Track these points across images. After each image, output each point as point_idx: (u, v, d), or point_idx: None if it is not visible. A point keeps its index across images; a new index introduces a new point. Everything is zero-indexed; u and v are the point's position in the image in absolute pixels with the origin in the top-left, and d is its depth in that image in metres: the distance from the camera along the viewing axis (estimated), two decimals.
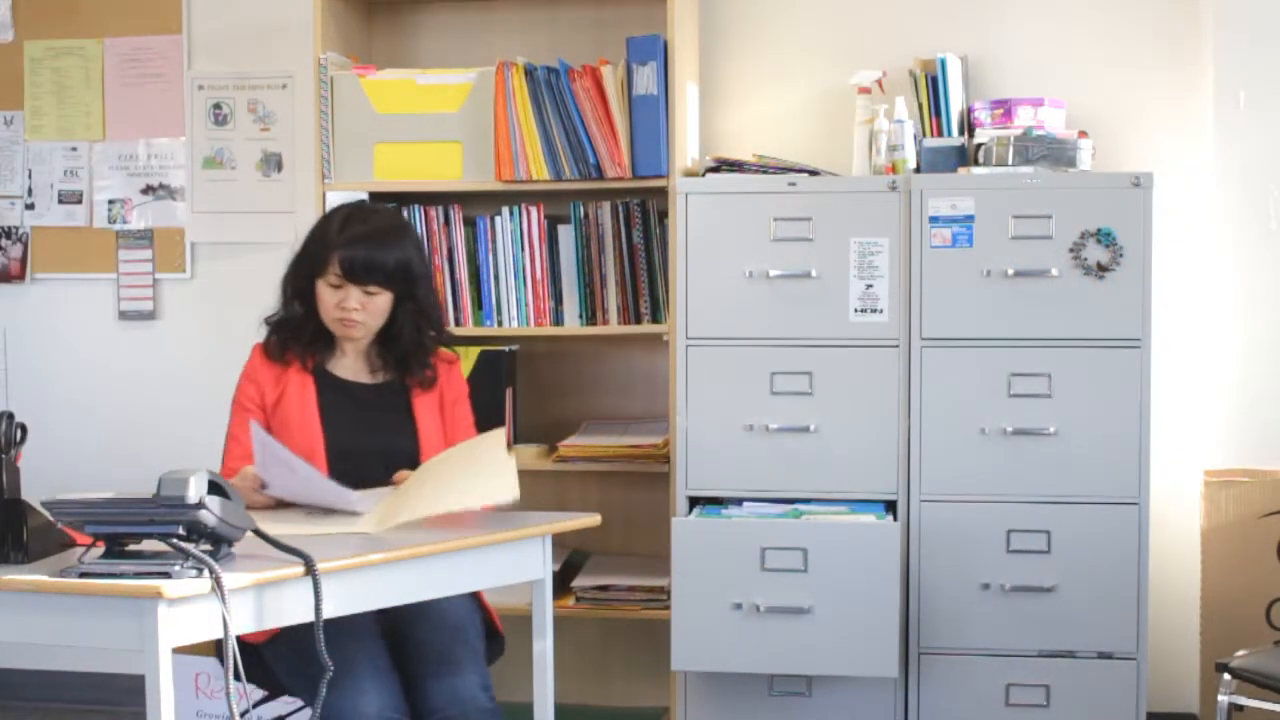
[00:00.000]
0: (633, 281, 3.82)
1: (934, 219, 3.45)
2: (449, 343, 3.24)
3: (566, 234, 3.85)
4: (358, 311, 3.02)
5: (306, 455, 2.90)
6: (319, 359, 3.10)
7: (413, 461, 2.98)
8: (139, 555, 2.19)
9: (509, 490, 2.76)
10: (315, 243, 3.09)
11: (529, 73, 3.76)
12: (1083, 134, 3.66)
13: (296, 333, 3.09)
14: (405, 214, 3.85)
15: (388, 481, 2.94)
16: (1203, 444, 3.83)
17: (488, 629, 3.01)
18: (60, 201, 4.43)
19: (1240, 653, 3.17)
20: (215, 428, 3.14)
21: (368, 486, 2.88)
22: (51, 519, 2.28)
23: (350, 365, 3.13)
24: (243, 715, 2.19)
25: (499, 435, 2.86)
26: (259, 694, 3.02)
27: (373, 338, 3.11)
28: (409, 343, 3.10)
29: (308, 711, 2.72)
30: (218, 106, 4.32)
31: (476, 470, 2.81)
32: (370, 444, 3.03)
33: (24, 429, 2.37)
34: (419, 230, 3.87)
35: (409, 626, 2.86)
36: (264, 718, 3.17)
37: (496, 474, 2.78)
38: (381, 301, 3.05)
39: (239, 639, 2.22)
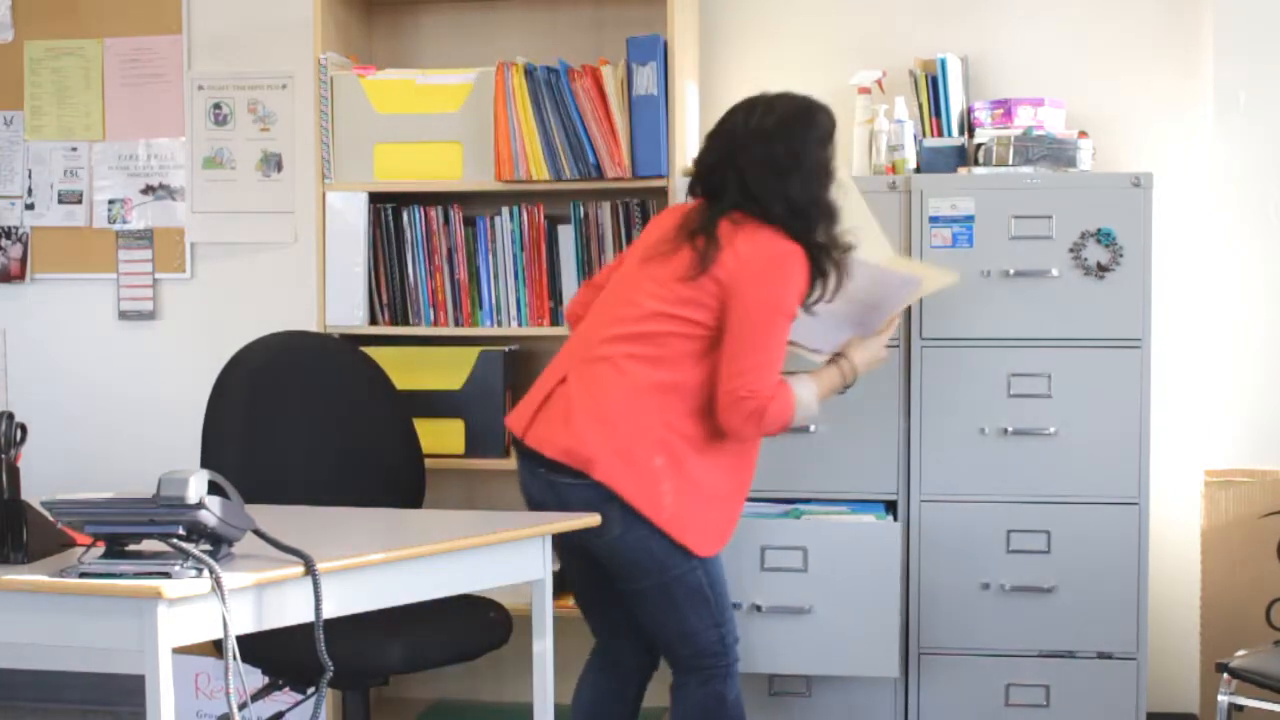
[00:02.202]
0: None
1: (934, 219, 3.45)
2: None
3: (566, 234, 3.85)
4: None
5: None
6: None
7: None
8: (139, 555, 2.19)
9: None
10: (829, 136, 3.01)
11: (529, 73, 3.76)
12: (1083, 134, 3.66)
13: (829, 267, 2.96)
14: (405, 215, 3.88)
15: None
16: (1203, 444, 3.83)
17: None
18: (60, 201, 4.43)
19: (1240, 653, 3.18)
20: None
21: None
22: (51, 519, 2.28)
23: None
24: (241, 711, 2.19)
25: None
26: (256, 689, 3.03)
27: None
28: None
29: (304, 708, 2.73)
30: (218, 106, 4.32)
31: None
32: None
33: (24, 429, 2.36)
34: (418, 231, 3.87)
35: None
36: (262, 715, 3.18)
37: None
38: None
39: None
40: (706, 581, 2.95)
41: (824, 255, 2.92)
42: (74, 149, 4.42)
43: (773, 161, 2.92)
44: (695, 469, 2.91)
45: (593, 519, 2.96)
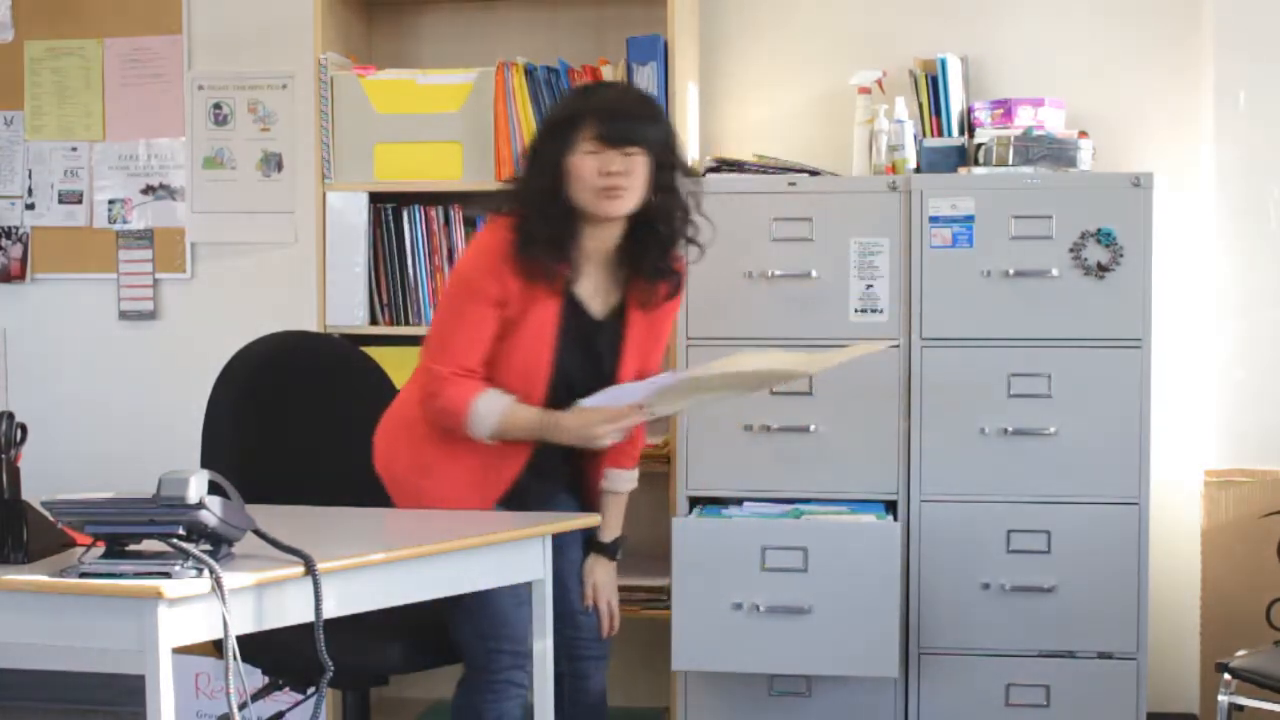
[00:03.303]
0: None
1: (934, 219, 3.45)
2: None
3: None
4: (622, 176, 2.81)
5: (526, 380, 2.89)
6: (568, 278, 2.89)
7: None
8: (139, 555, 2.19)
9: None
10: (561, 118, 2.89)
11: (529, 73, 3.76)
12: (1083, 134, 3.66)
13: (550, 240, 2.84)
14: (405, 215, 3.88)
15: None
16: (1203, 444, 3.83)
17: None
18: (60, 201, 4.43)
19: (1240, 653, 3.17)
20: None
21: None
22: (51, 519, 2.28)
23: (591, 284, 2.94)
24: (241, 710, 2.19)
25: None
26: (256, 689, 3.03)
27: (618, 232, 2.90)
28: (667, 236, 2.91)
29: (304, 708, 2.73)
30: (218, 106, 4.32)
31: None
32: (584, 380, 2.93)
33: (24, 429, 2.36)
34: (419, 231, 3.87)
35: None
36: (262, 715, 3.17)
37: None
38: (641, 168, 2.83)
39: None
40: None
41: (532, 219, 2.85)
42: (74, 149, 4.42)
43: None
44: (427, 456, 2.95)
45: (593, 519, 2.97)
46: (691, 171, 3.01)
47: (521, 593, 2.82)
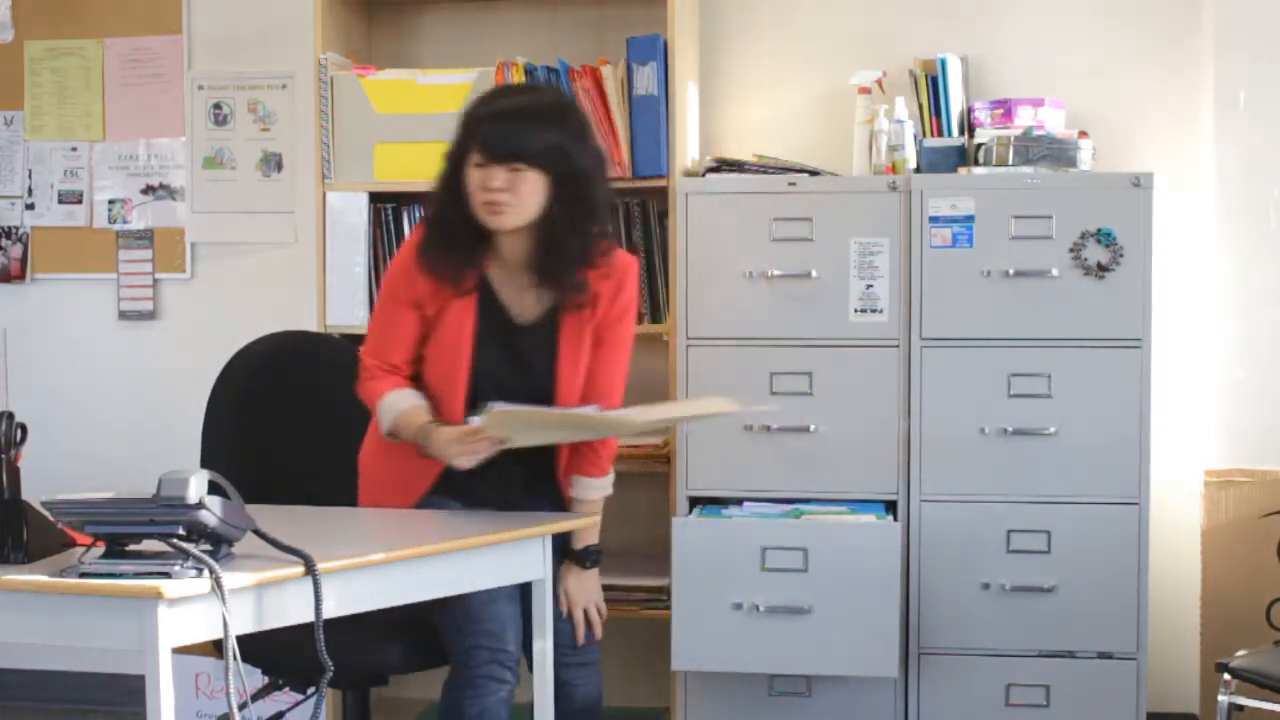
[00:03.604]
0: None
1: (934, 219, 3.45)
2: (618, 245, 2.97)
3: None
4: (503, 193, 2.75)
5: (448, 381, 2.89)
6: (480, 276, 2.87)
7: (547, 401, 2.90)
8: (139, 555, 2.19)
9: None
10: (459, 126, 2.85)
11: (529, 73, 3.76)
12: (1083, 134, 3.66)
13: (451, 239, 2.83)
14: (405, 215, 3.88)
15: None
16: (1203, 444, 3.83)
17: None
18: (60, 201, 4.43)
19: (1240, 653, 3.18)
20: None
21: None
22: (51, 519, 2.28)
23: (508, 281, 2.90)
24: (241, 710, 2.19)
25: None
26: (256, 689, 3.03)
27: (529, 241, 2.85)
28: (566, 248, 2.82)
29: (304, 708, 2.74)
30: (218, 106, 4.32)
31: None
32: (515, 385, 2.87)
33: (24, 429, 2.36)
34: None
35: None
36: (262, 715, 3.18)
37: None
38: (529, 182, 2.77)
39: None
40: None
41: (436, 222, 2.88)
42: (74, 149, 4.42)
43: None
44: (378, 447, 2.99)
45: (587, 520, 2.96)
46: (602, 183, 2.92)
47: (494, 590, 2.81)
